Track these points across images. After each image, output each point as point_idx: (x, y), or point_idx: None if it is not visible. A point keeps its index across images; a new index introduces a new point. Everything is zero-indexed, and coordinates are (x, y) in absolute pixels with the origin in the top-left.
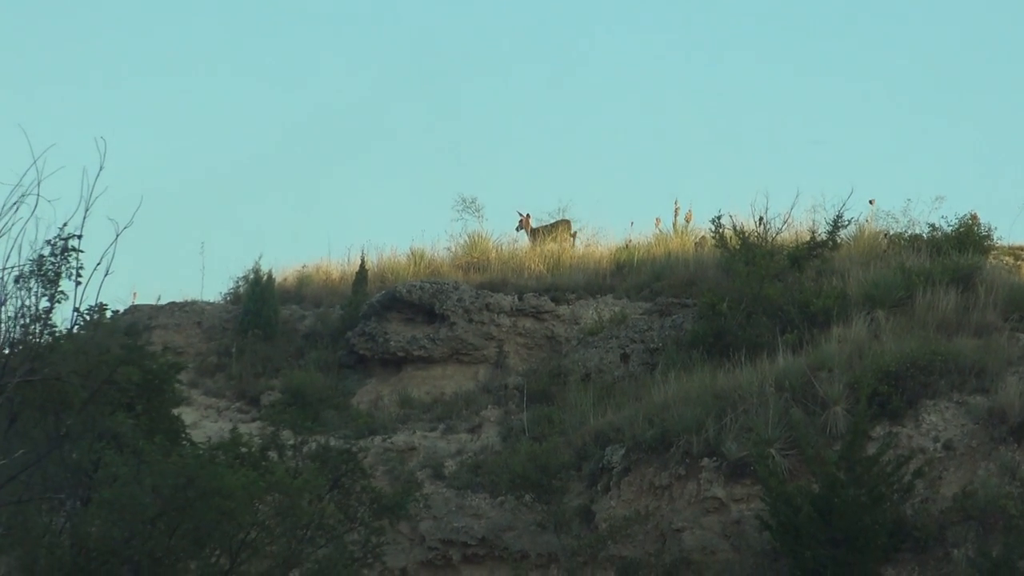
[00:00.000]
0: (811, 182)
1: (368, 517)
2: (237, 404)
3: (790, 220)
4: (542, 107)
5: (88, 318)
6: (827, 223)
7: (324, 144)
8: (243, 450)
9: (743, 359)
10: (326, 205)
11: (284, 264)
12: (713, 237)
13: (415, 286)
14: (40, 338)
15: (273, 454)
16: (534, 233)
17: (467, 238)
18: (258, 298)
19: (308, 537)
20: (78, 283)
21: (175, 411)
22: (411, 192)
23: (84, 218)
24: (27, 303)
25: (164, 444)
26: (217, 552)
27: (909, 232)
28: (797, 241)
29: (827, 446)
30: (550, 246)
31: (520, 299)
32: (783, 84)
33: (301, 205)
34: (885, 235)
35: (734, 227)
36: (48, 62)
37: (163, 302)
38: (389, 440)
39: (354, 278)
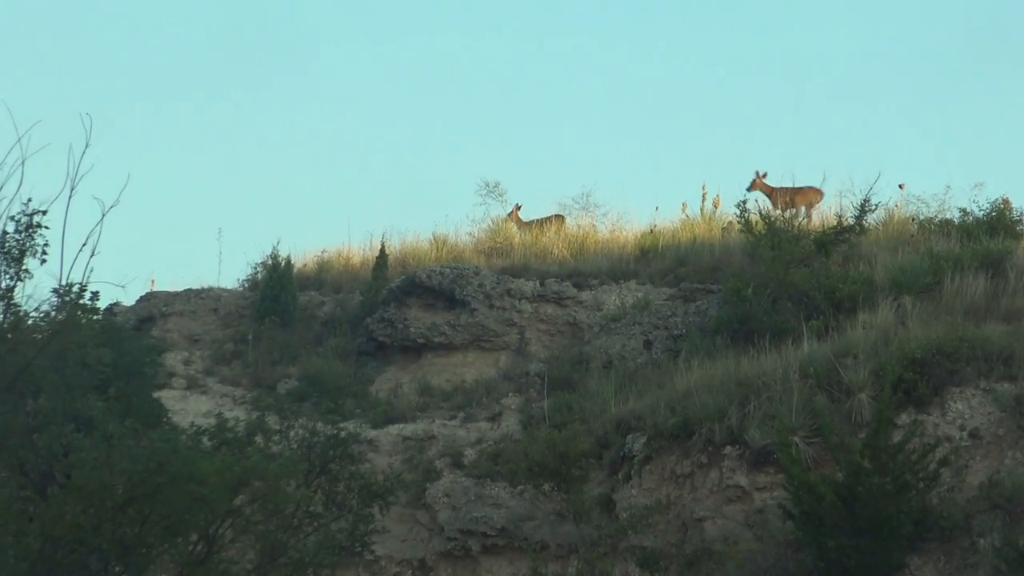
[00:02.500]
0: (839, 167)
1: (357, 504)
2: (253, 392)
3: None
4: (568, 89)
5: (65, 299)
6: (854, 208)
7: (342, 125)
8: (228, 435)
9: (767, 345)
10: (346, 189)
11: (303, 249)
12: (739, 222)
13: (435, 271)
14: (3, 318)
15: (259, 439)
16: (526, 226)
17: (490, 223)
18: (276, 284)
19: (295, 525)
20: (43, 261)
21: (158, 395)
22: (434, 176)
23: (70, 197)
24: None
25: (135, 428)
26: (194, 540)
27: (939, 217)
28: (824, 226)
29: (852, 434)
30: (571, 231)
31: (542, 285)
32: (811, 65)
33: (321, 189)
34: (914, 220)
35: (760, 212)
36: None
37: (180, 288)
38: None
39: (374, 264)
